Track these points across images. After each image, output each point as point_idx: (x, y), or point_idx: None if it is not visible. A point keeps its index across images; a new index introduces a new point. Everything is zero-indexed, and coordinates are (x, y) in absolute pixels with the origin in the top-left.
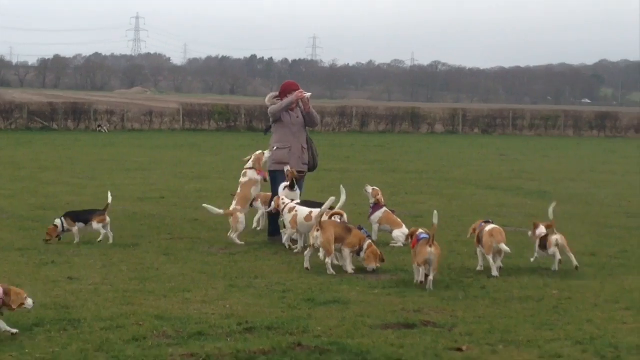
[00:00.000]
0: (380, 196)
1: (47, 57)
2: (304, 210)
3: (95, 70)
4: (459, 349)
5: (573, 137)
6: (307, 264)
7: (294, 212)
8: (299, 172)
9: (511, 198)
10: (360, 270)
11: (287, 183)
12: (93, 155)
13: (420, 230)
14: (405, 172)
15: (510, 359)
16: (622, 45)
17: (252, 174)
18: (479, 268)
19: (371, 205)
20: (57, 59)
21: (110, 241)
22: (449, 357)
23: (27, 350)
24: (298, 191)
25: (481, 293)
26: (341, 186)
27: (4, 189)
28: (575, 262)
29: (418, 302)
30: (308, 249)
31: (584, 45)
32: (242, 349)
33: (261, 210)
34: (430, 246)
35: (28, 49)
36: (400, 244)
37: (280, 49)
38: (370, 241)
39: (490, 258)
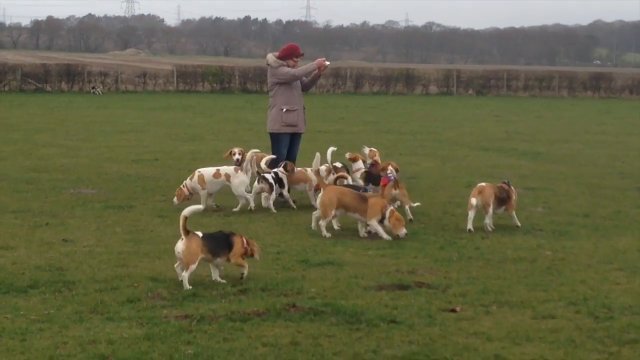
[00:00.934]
0: (377, 157)
1: (40, 19)
2: (210, 170)
3: (88, 31)
4: (453, 310)
5: (567, 98)
6: (314, 225)
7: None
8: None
9: (505, 159)
10: (354, 232)
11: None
12: (87, 117)
13: (390, 169)
14: (399, 134)
15: (504, 320)
16: (617, 6)
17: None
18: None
19: (368, 165)
20: (50, 20)
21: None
22: (443, 318)
23: (22, 312)
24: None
25: (475, 254)
26: (317, 153)
27: None
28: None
29: (412, 263)
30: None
31: (578, 5)
32: (236, 310)
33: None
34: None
35: (21, 10)
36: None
37: (274, 10)
38: (391, 208)
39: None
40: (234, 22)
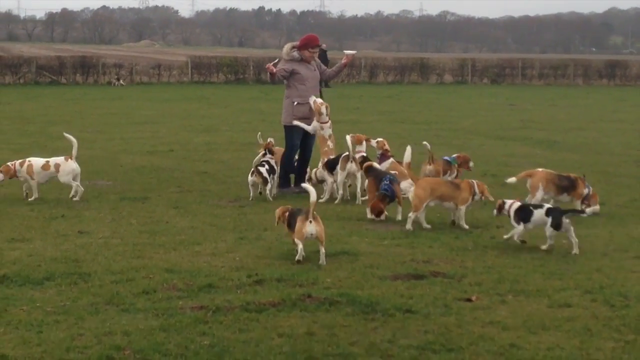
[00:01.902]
0: (386, 147)
1: (54, 11)
2: (40, 160)
3: (103, 23)
4: (469, 299)
5: (582, 86)
6: (409, 225)
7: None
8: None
9: (520, 148)
10: (369, 221)
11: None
12: (102, 109)
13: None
14: (414, 123)
15: (520, 309)
16: None
17: None
18: None
19: (378, 156)
20: (65, 12)
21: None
22: (459, 307)
23: (38, 304)
24: None
25: (490, 243)
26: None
27: (13, 143)
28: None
29: (427, 252)
30: (412, 212)
31: None
32: (252, 301)
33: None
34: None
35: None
36: (409, 195)
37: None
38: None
39: None
40: (248, 13)
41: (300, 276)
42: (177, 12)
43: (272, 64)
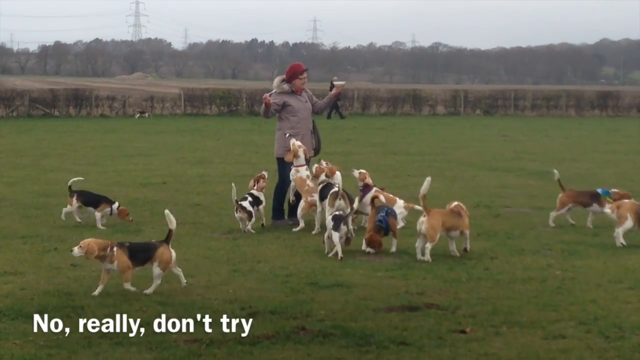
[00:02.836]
0: (368, 179)
1: (47, 44)
2: None
3: (95, 56)
4: (463, 331)
5: (575, 117)
6: (419, 256)
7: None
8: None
9: (513, 179)
10: (362, 253)
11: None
12: (95, 141)
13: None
14: (407, 154)
15: (514, 340)
16: (624, 24)
17: None
18: None
19: (360, 188)
20: (58, 45)
21: None
22: (453, 339)
23: (30, 338)
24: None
25: (484, 274)
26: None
27: (6, 176)
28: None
29: (421, 284)
30: (418, 240)
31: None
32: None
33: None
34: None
35: (28, 36)
36: (399, 218)
37: (280, 32)
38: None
39: None
40: (240, 45)
41: (294, 308)
42: (170, 44)
43: (268, 94)
